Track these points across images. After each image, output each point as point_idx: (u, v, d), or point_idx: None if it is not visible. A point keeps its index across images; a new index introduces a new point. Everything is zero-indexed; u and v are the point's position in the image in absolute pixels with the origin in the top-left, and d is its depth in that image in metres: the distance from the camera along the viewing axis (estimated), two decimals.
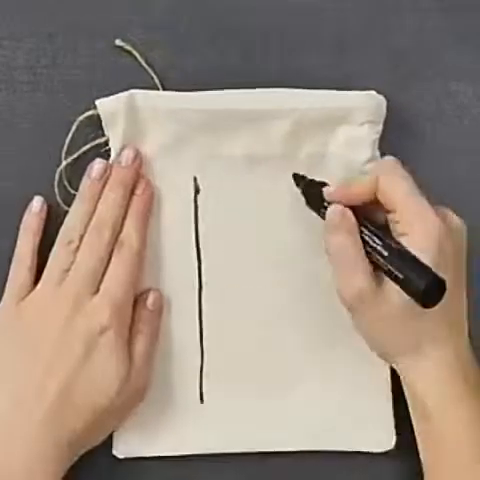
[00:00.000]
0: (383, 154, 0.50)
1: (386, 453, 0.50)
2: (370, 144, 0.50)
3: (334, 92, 0.50)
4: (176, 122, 0.49)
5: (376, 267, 0.45)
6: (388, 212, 0.46)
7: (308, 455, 0.50)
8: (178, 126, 0.49)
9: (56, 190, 0.50)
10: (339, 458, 0.50)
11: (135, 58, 0.51)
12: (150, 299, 0.49)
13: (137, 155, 0.49)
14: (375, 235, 0.45)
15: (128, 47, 0.51)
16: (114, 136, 0.49)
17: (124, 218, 0.49)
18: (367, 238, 0.45)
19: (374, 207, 0.47)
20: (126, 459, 0.50)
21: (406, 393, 0.48)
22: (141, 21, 0.52)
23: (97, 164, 0.49)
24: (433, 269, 0.42)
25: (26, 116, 0.51)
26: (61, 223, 0.49)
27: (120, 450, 0.50)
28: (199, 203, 0.50)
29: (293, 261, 0.50)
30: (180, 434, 0.50)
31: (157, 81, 0.51)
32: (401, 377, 0.48)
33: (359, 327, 0.48)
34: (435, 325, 0.46)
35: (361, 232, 0.46)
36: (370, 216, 0.47)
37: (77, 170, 0.50)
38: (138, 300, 0.49)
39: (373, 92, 0.50)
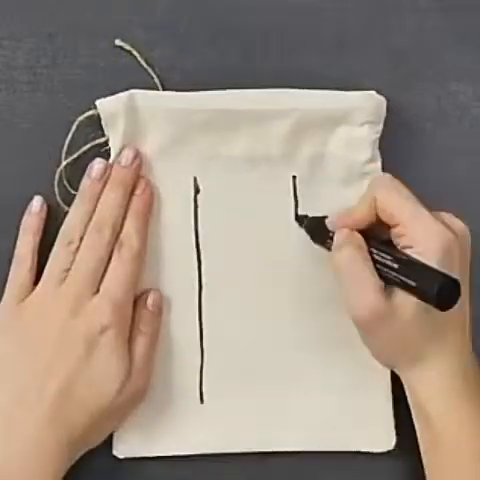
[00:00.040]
0: (383, 154, 0.50)
1: (386, 453, 0.50)
2: (370, 144, 0.50)
3: (334, 92, 0.50)
4: (176, 122, 0.49)
5: (385, 283, 0.45)
6: (391, 227, 0.46)
7: (308, 455, 0.50)
8: (178, 126, 0.49)
9: (56, 190, 0.50)
10: (339, 458, 0.50)
11: (135, 58, 0.51)
12: (150, 299, 0.49)
13: (137, 155, 0.49)
14: (383, 251, 0.45)
15: (128, 47, 0.51)
16: (114, 136, 0.49)
17: (124, 218, 0.48)
18: (376, 256, 0.45)
19: (377, 224, 0.47)
20: (126, 459, 0.50)
21: (409, 400, 0.48)
22: (141, 21, 0.52)
23: (97, 164, 0.49)
24: None
25: (26, 116, 0.51)
26: (61, 223, 0.49)
27: (120, 450, 0.50)
28: (199, 203, 0.50)
29: (293, 261, 0.50)
30: (180, 434, 0.50)
31: (157, 81, 0.51)
32: (404, 385, 0.48)
33: (369, 343, 0.47)
34: (443, 335, 0.45)
35: (370, 252, 0.45)
36: (374, 233, 0.47)
37: (77, 170, 0.50)
38: (138, 300, 0.49)
39: (373, 92, 0.50)
